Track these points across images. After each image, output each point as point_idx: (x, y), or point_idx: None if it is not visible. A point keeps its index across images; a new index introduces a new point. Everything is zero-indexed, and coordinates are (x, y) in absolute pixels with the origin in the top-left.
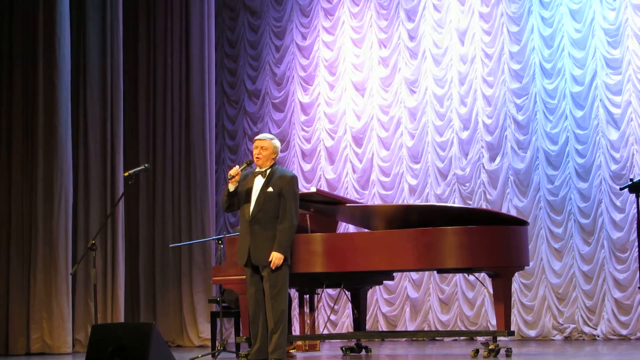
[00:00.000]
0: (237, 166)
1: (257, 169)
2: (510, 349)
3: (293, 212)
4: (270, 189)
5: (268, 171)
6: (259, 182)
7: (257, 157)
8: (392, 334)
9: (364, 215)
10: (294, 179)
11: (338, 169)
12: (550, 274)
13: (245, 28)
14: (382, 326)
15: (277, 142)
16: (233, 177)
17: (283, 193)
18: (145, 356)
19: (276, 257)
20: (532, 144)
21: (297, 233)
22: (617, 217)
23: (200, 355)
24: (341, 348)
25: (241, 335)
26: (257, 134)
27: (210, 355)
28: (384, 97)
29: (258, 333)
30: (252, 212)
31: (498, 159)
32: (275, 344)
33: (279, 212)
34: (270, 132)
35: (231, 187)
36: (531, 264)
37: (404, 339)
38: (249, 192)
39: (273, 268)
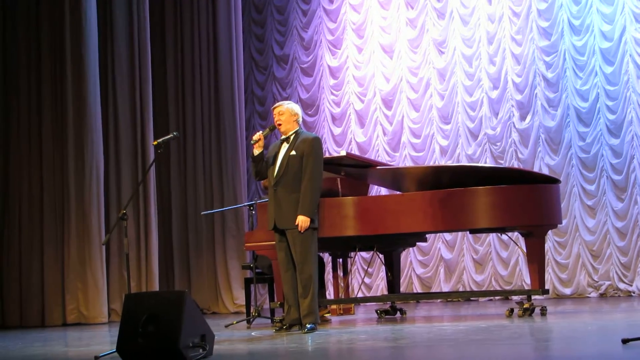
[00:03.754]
0: (260, 131)
1: (283, 136)
2: (545, 307)
3: (314, 172)
4: (293, 152)
5: (292, 136)
6: (284, 148)
7: (278, 124)
8: (427, 296)
9: (394, 177)
10: (315, 140)
11: (368, 132)
12: (584, 232)
13: None
14: (417, 288)
15: (293, 106)
16: (256, 141)
17: (305, 154)
18: (178, 324)
19: (302, 220)
20: (562, 101)
21: (328, 197)
22: None
23: (235, 322)
24: (376, 311)
25: (275, 300)
26: (287, 99)
27: (245, 322)
28: (412, 59)
29: (291, 298)
30: (276, 175)
31: (529, 118)
32: (307, 309)
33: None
34: (299, 97)
35: (255, 152)
36: (564, 222)
37: (438, 300)
38: (275, 157)
39: (302, 232)
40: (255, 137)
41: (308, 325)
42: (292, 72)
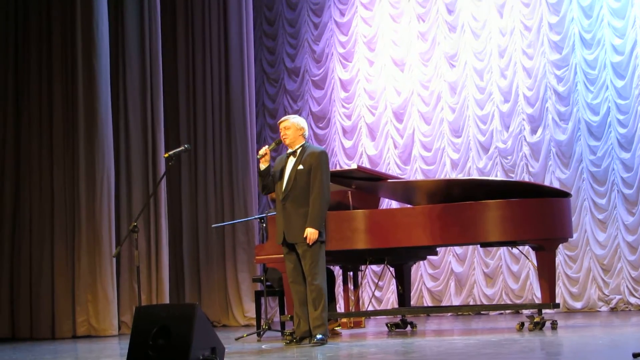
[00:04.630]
0: (266, 146)
1: (290, 150)
2: (556, 321)
3: (323, 185)
4: (300, 167)
5: (299, 150)
6: (291, 162)
7: (284, 139)
8: (437, 309)
9: (405, 190)
10: (322, 154)
11: (379, 145)
12: (594, 246)
13: (283, 6)
14: (427, 301)
15: (299, 120)
16: (262, 156)
17: (312, 167)
18: (189, 337)
19: (310, 233)
20: (573, 115)
21: (339, 210)
22: None
23: (245, 335)
24: (386, 324)
25: (286, 313)
26: (298, 111)
27: (255, 335)
28: (423, 72)
29: (300, 310)
30: (284, 189)
31: (540, 131)
32: (317, 321)
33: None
34: (310, 110)
35: (262, 166)
36: (575, 235)
37: (449, 314)
38: (282, 171)
39: (310, 244)
40: (262, 151)
41: (317, 337)
42: (303, 84)
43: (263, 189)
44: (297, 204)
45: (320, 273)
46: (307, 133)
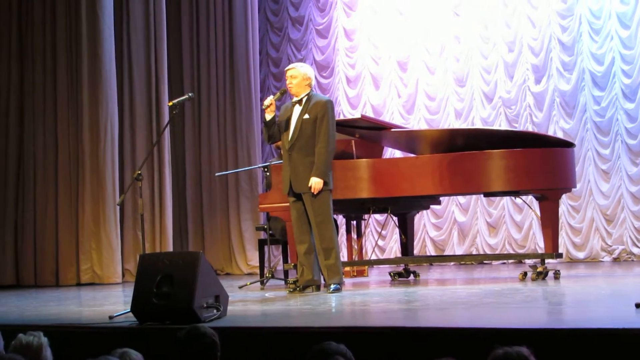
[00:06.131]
0: (271, 96)
1: (295, 98)
2: (559, 271)
3: (329, 135)
4: (306, 116)
5: (304, 99)
6: (297, 111)
7: (289, 87)
8: (440, 259)
9: (409, 140)
10: (328, 103)
11: (383, 94)
12: (598, 196)
13: None
14: (430, 251)
15: (305, 69)
16: (267, 106)
17: (318, 117)
18: (192, 285)
19: (315, 182)
20: (577, 65)
21: (342, 159)
22: None
23: (249, 283)
24: (389, 273)
25: (289, 262)
26: (302, 60)
27: (259, 283)
28: (428, 22)
29: (303, 259)
30: (290, 139)
31: (544, 81)
32: (331, 271)
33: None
34: (314, 59)
35: (267, 116)
36: (579, 186)
37: (452, 263)
38: (288, 121)
39: (315, 193)
40: (267, 102)
41: (332, 286)
42: (307, 33)
43: (269, 139)
44: (304, 154)
45: (329, 222)
46: (313, 82)
